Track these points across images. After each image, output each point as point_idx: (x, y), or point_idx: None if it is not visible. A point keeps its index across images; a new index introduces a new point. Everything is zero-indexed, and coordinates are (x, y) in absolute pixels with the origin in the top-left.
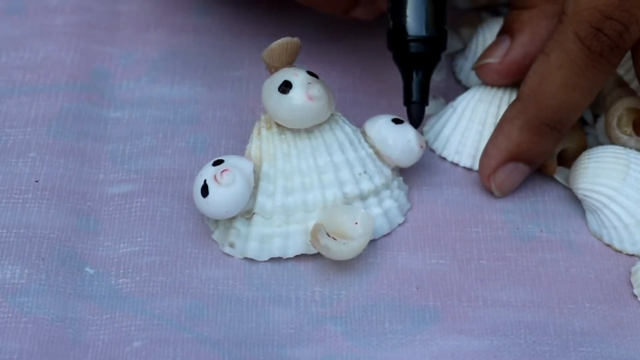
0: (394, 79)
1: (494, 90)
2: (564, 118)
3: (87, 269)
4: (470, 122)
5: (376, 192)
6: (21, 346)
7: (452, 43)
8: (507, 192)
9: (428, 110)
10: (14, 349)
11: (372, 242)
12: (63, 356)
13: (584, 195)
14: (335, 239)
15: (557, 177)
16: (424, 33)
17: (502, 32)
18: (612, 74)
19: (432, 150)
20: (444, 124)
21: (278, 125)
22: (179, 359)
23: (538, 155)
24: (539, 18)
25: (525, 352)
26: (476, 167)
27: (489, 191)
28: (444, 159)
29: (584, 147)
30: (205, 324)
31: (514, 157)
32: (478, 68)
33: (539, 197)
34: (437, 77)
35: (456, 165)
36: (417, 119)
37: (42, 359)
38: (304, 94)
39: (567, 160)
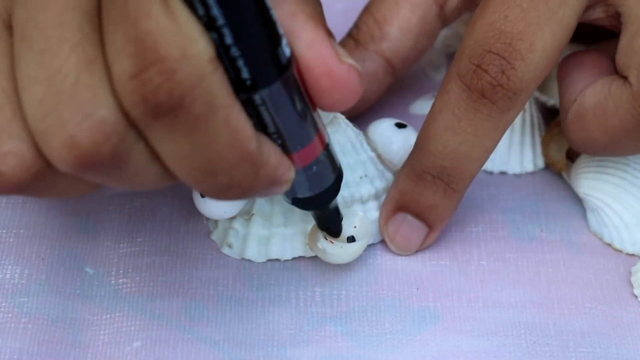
0: (397, 82)
1: None
2: (449, 167)
3: (87, 269)
4: None
5: (377, 196)
6: (21, 346)
7: (452, 43)
8: (403, 248)
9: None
10: (14, 349)
11: (372, 244)
12: (63, 356)
13: (585, 194)
14: (333, 242)
15: (565, 174)
16: (307, 194)
17: None
18: (504, 122)
19: None
20: None
21: None
22: (179, 359)
23: (425, 208)
24: None
25: (525, 352)
26: None
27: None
28: None
29: None
30: (205, 324)
31: (400, 207)
32: None
33: (539, 196)
34: (438, 77)
35: None
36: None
37: (42, 359)
38: None
39: (574, 155)
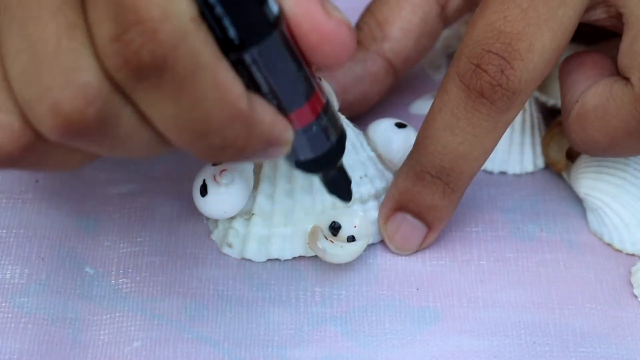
0: (397, 82)
1: None
2: (448, 167)
3: (87, 269)
4: None
5: (376, 196)
6: (21, 346)
7: (452, 43)
8: (402, 248)
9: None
10: (14, 349)
11: (372, 244)
12: (63, 356)
13: (586, 194)
14: (333, 242)
15: (565, 174)
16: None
17: None
18: (503, 122)
19: None
20: None
21: None
22: (179, 359)
23: (424, 208)
24: None
25: (525, 352)
26: None
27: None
28: None
29: None
30: (205, 324)
31: (399, 206)
32: None
33: (539, 196)
34: (438, 77)
35: None
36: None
37: (42, 359)
38: None
39: (574, 155)
